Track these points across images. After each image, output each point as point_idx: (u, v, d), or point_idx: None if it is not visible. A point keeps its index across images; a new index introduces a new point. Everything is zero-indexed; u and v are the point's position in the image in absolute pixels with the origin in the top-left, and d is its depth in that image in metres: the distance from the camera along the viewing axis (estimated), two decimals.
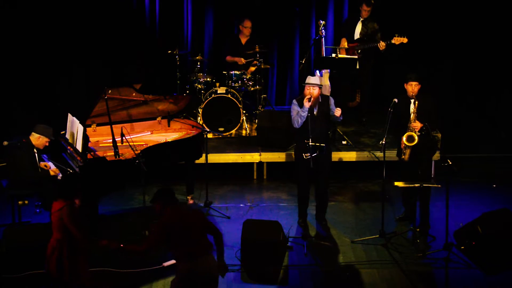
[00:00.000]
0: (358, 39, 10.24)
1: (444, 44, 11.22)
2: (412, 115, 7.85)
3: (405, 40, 9.80)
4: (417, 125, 7.83)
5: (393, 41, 9.84)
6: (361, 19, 10.31)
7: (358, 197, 9.28)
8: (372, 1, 10.22)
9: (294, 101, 8.09)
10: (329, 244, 7.93)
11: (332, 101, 8.11)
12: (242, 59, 10.66)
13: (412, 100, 7.87)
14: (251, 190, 9.56)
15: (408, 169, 7.96)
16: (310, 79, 7.97)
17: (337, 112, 7.96)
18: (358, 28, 10.30)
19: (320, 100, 8.00)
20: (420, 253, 7.60)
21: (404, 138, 7.85)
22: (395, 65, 11.37)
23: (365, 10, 10.23)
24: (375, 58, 10.42)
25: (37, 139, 7.82)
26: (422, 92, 7.93)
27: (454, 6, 11.09)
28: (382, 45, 9.90)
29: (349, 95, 11.11)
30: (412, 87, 7.87)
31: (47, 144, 7.89)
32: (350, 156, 9.83)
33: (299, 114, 7.91)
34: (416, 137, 7.81)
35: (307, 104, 7.86)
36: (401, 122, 7.93)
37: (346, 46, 10.21)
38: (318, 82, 7.96)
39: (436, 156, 9.33)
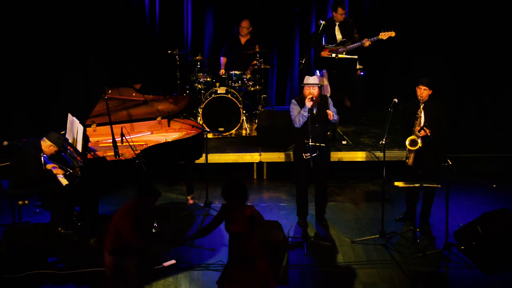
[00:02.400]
0: (341, 41, 10.18)
1: (445, 43, 11.24)
2: (419, 119, 7.83)
3: (392, 33, 9.75)
4: (425, 130, 7.78)
5: (380, 37, 9.78)
6: (337, 23, 10.25)
7: (358, 197, 9.27)
8: (344, 5, 10.19)
9: (293, 101, 8.09)
10: (329, 244, 7.93)
11: (330, 101, 8.12)
12: (223, 70, 10.71)
13: (421, 105, 7.85)
14: (251, 190, 9.53)
15: (411, 173, 7.93)
16: (308, 80, 7.98)
17: (329, 115, 7.94)
18: (338, 31, 10.23)
19: (319, 100, 8.01)
20: (420, 253, 7.59)
21: (407, 142, 7.84)
22: (395, 65, 11.42)
23: (341, 14, 10.18)
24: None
25: (48, 147, 7.83)
26: (434, 98, 7.88)
27: (453, 6, 11.12)
28: (366, 43, 9.85)
29: (349, 96, 11.09)
30: (421, 91, 7.83)
31: (54, 153, 7.90)
32: (350, 156, 9.82)
33: (300, 114, 7.91)
34: (419, 142, 7.79)
35: (309, 104, 7.87)
36: (409, 126, 7.90)
37: (329, 54, 10.08)
38: (317, 82, 7.97)
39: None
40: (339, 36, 10.21)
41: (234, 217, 6.07)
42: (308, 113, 7.86)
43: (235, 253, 6.10)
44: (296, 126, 8.00)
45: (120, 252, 6.11)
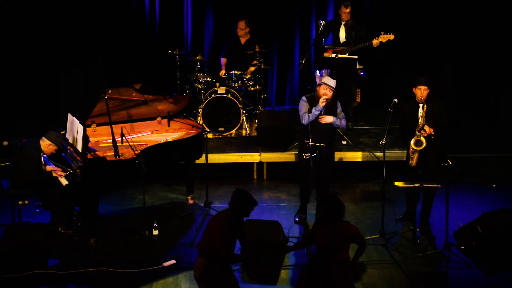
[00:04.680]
0: (344, 42, 10.17)
1: (445, 45, 11.23)
2: (420, 119, 7.82)
3: (391, 37, 9.72)
4: (427, 129, 7.77)
5: (380, 39, 9.76)
6: (343, 22, 10.24)
7: (358, 197, 9.27)
8: (347, 3, 10.10)
9: (304, 98, 8.08)
10: None
11: (339, 105, 8.12)
12: (223, 71, 10.75)
13: (421, 105, 7.84)
14: (251, 190, 9.44)
15: (412, 173, 7.94)
16: (329, 81, 7.95)
17: (329, 118, 7.96)
18: (342, 31, 10.21)
19: (330, 103, 8.01)
20: (420, 253, 7.59)
21: (412, 142, 7.83)
22: (396, 66, 11.42)
23: (344, 13, 10.11)
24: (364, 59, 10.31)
25: (47, 146, 7.82)
26: (431, 96, 7.88)
27: (454, 6, 11.12)
28: (375, 42, 9.82)
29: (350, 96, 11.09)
30: (421, 91, 7.81)
31: (54, 152, 7.90)
32: (350, 156, 9.83)
33: (312, 112, 7.91)
34: (424, 141, 7.78)
35: (322, 104, 7.88)
36: (410, 127, 7.90)
37: (332, 55, 10.06)
38: (334, 86, 7.96)
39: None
40: (342, 36, 10.18)
41: (327, 232, 6.08)
42: (319, 113, 7.89)
43: (320, 267, 6.11)
44: (303, 122, 7.99)
45: (210, 257, 6.10)
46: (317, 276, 6.06)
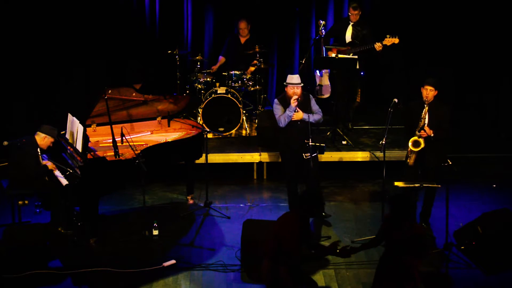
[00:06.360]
0: (349, 42, 10.17)
1: (445, 44, 11.24)
2: (422, 121, 7.82)
3: (396, 40, 9.71)
4: (427, 130, 7.77)
5: (384, 42, 9.75)
6: (351, 23, 10.24)
7: (358, 197, 9.27)
8: (355, 4, 10.10)
9: (276, 101, 8.16)
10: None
11: (312, 98, 8.16)
12: (215, 67, 10.83)
13: (426, 106, 7.84)
14: (251, 190, 9.56)
15: (412, 173, 7.94)
16: (292, 79, 8.03)
17: (298, 115, 8.00)
18: (349, 32, 10.21)
19: (302, 99, 8.04)
20: None
21: (410, 143, 7.83)
22: (396, 66, 11.42)
23: (353, 14, 10.13)
24: (366, 61, 10.31)
25: (43, 139, 7.83)
26: (439, 99, 7.86)
27: (454, 6, 11.13)
28: (378, 46, 9.80)
29: (349, 96, 11.08)
30: (427, 92, 7.80)
31: (51, 145, 7.91)
32: (350, 156, 9.83)
33: (286, 114, 7.98)
34: (422, 143, 7.78)
35: (294, 104, 7.93)
36: (413, 126, 7.89)
37: (335, 54, 10.04)
38: (299, 81, 8.01)
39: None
40: (348, 37, 10.17)
41: (396, 232, 6.15)
42: (293, 113, 7.93)
43: (389, 266, 6.22)
44: (280, 125, 8.07)
45: (278, 260, 6.14)
46: (393, 273, 6.19)
